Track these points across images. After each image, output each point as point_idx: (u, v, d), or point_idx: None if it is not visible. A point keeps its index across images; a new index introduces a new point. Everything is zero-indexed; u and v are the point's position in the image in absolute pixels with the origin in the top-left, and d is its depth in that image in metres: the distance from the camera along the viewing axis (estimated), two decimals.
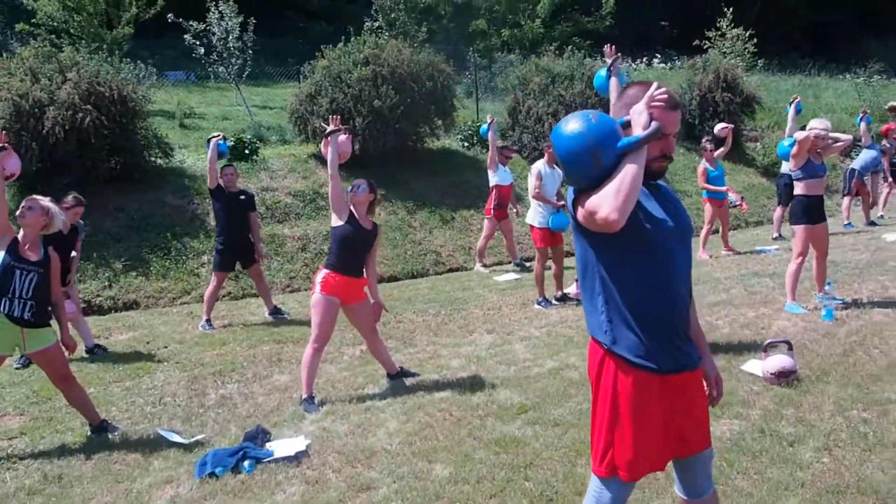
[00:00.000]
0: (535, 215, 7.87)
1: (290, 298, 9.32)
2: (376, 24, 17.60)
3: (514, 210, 10.36)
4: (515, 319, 7.43)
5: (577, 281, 8.04)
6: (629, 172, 2.18)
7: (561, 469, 3.76)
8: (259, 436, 4.43)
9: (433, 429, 4.50)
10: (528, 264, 10.45)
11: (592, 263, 2.36)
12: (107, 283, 9.43)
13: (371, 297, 5.45)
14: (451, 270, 11.07)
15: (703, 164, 10.10)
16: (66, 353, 4.94)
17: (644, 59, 25.70)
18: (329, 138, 5.37)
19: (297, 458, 4.16)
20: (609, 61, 5.38)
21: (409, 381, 5.53)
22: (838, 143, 6.58)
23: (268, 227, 10.83)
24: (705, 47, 20.02)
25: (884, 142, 12.43)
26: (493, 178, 9.92)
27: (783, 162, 11.13)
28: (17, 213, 4.81)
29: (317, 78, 12.31)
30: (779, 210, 11.55)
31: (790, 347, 4.76)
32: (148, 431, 4.93)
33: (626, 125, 2.30)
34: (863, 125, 11.87)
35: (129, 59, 12.42)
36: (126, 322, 8.42)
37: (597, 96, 13.81)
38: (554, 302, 7.89)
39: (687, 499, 2.50)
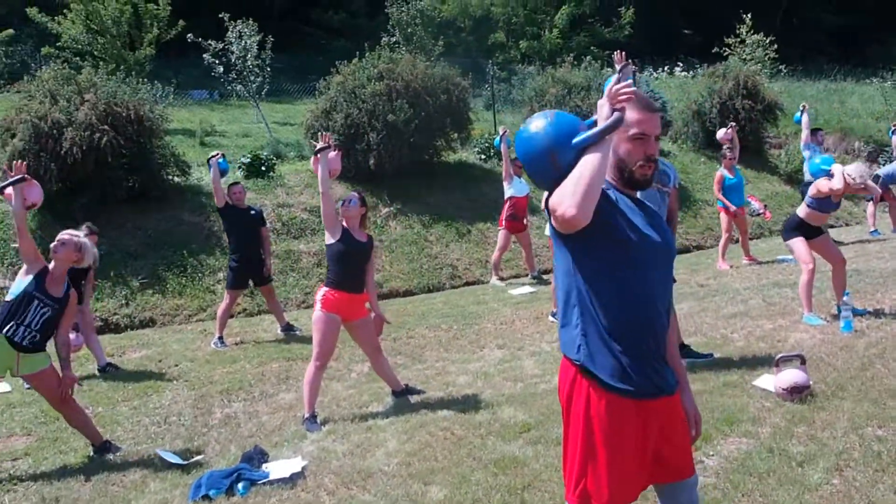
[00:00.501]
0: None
1: (305, 314, 9.27)
2: (393, 39, 17.66)
3: (526, 221, 10.23)
4: (528, 334, 7.32)
5: None
6: (587, 165, 2.07)
7: (559, 491, 3.64)
8: (256, 457, 4.37)
9: (433, 448, 4.41)
10: (545, 277, 10.34)
11: (571, 272, 2.25)
12: (124, 301, 9.50)
13: (372, 310, 5.40)
14: (467, 284, 10.98)
15: (721, 172, 9.93)
16: (71, 384, 4.89)
17: (666, 68, 25.49)
18: (318, 156, 5.35)
19: (292, 480, 4.09)
20: (619, 67, 5.31)
21: (413, 399, 5.45)
22: (866, 190, 6.39)
23: (283, 243, 10.85)
24: (725, 54, 19.77)
25: None
26: (509, 190, 9.83)
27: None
28: (52, 246, 4.88)
29: (331, 94, 12.33)
30: None
31: (803, 362, 4.60)
32: (149, 452, 4.90)
33: (594, 125, 2.21)
34: (895, 138, 11.60)
35: (146, 80, 12.54)
36: (140, 340, 8.46)
37: None
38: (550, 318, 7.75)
39: None
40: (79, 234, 4.98)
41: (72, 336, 5.73)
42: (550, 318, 7.64)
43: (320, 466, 4.32)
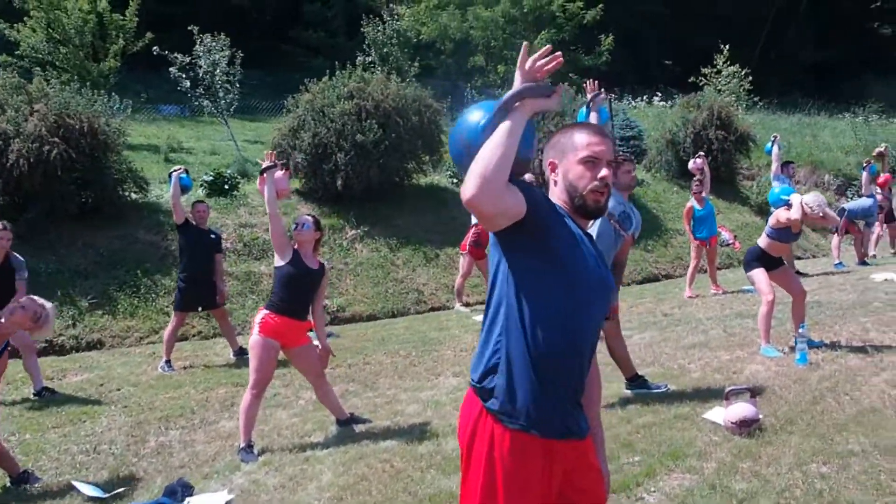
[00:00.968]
0: None
1: None
2: (369, 59, 17.57)
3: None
4: None
5: None
6: (490, 142, 1.90)
7: None
8: (179, 490, 4.14)
9: (368, 482, 4.20)
10: None
11: (504, 284, 2.07)
12: (71, 322, 9.15)
13: (318, 341, 5.20)
14: (433, 309, 10.78)
15: (690, 203, 9.91)
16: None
17: (645, 98, 25.67)
18: (265, 175, 5.19)
19: None
20: (590, 96, 5.24)
21: (358, 429, 5.24)
22: (825, 221, 6.32)
23: (244, 264, 10.61)
24: (701, 84, 19.93)
25: (877, 191, 12.12)
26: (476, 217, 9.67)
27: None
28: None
29: (300, 112, 12.17)
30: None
31: (753, 395, 4.47)
32: (71, 482, 4.63)
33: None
34: (865, 174, 11.62)
35: (103, 93, 12.19)
36: (85, 363, 8.14)
37: None
38: None
39: None
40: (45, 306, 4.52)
41: None
42: None
43: (248, 501, 4.10)
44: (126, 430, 5.72)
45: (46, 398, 6.65)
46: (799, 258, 14.31)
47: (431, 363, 7.21)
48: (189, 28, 14.89)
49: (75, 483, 4.51)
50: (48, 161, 9.63)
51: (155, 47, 14.81)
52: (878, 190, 12.17)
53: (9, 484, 4.61)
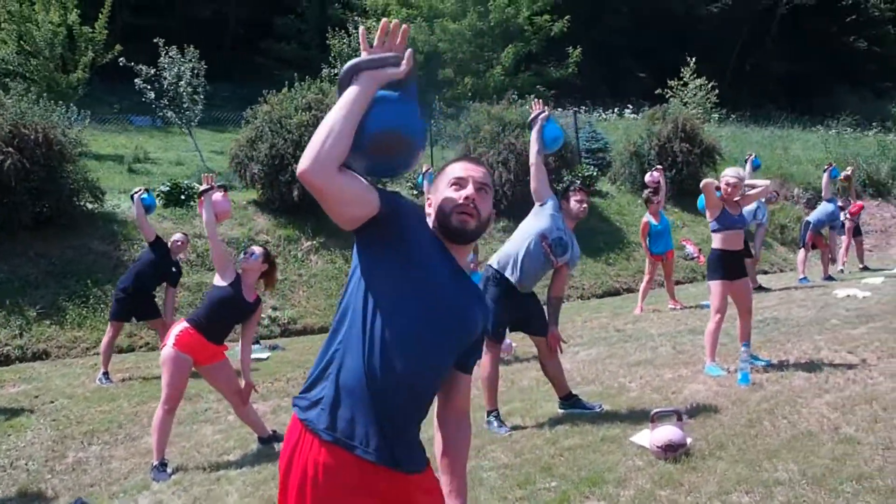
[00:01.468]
0: None
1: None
2: (335, 71, 17.44)
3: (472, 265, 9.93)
4: None
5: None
6: (325, 118, 1.83)
7: None
8: None
9: None
10: None
11: (354, 288, 1.97)
12: (17, 332, 8.96)
13: (242, 377, 5.01)
14: None
15: (646, 219, 9.80)
16: None
17: (615, 110, 25.72)
18: (203, 198, 5.05)
19: None
20: (532, 115, 5.17)
21: (278, 447, 5.05)
22: (755, 191, 6.24)
23: (196, 275, 10.42)
24: (667, 96, 19.96)
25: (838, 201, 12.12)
26: None
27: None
28: None
29: (258, 123, 12.02)
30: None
31: (679, 418, 4.32)
32: None
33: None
34: (825, 177, 11.55)
35: (61, 104, 12.00)
36: (25, 374, 7.95)
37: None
38: None
39: None
40: None
41: None
42: None
43: None
44: (48, 445, 5.54)
45: None
46: (765, 272, 14.30)
47: None
48: (155, 40, 14.76)
49: None
50: (1, 171, 9.50)
51: (121, 59, 14.67)
52: (843, 209, 12.19)
53: None
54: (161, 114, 15.50)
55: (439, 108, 21.24)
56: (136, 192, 7.64)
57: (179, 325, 4.82)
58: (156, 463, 4.67)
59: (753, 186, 6.19)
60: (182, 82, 14.61)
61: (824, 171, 11.70)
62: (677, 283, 12.40)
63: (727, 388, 5.55)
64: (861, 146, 20.67)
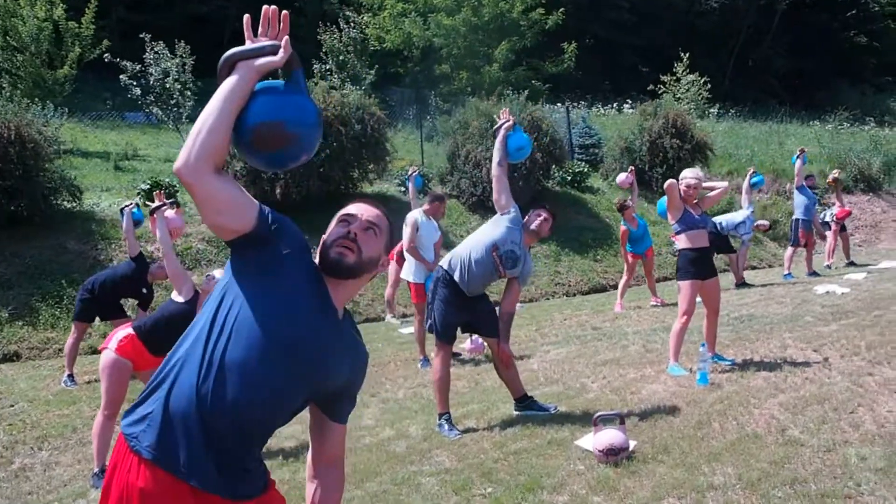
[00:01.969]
0: (411, 270, 7.41)
1: None
2: (326, 66, 17.37)
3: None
4: (393, 378, 6.91)
5: (470, 338, 7.53)
6: (205, 108, 1.77)
7: None
8: None
9: None
10: None
11: (214, 298, 1.89)
12: None
13: None
14: (368, 321, 10.55)
15: (624, 226, 9.72)
16: None
17: (615, 105, 25.56)
18: (155, 215, 4.99)
19: None
20: (498, 123, 5.12)
21: None
22: (714, 193, 6.16)
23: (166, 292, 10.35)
24: (660, 92, 19.81)
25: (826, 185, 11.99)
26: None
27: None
28: None
29: None
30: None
31: (622, 421, 4.23)
32: None
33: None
34: (798, 163, 11.32)
35: (37, 101, 11.94)
36: None
37: (536, 141, 13.51)
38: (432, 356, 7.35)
39: None
40: None
41: None
42: (419, 367, 7.20)
43: None
44: None
45: None
46: (754, 268, 14.17)
47: None
48: (141, 35, 14.69)
49: None
50: None
51: (107, 55, 14.59)
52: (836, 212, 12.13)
53: None
54: (148, 110, 15.40)
55: (435, 103, 21.19)
56: (126, 206, 7.53)
57: (124, 330, 4.74)
58: (96, 470, 4.60)
59: (713, 188, 6.11)
60: (169, 78, 14.51)
61: (796, 157, 11.49)
62: (662, 279, 12.32)
63: (685, 389, 5.46)
64: (855, 141, 20.44)
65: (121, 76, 14.56)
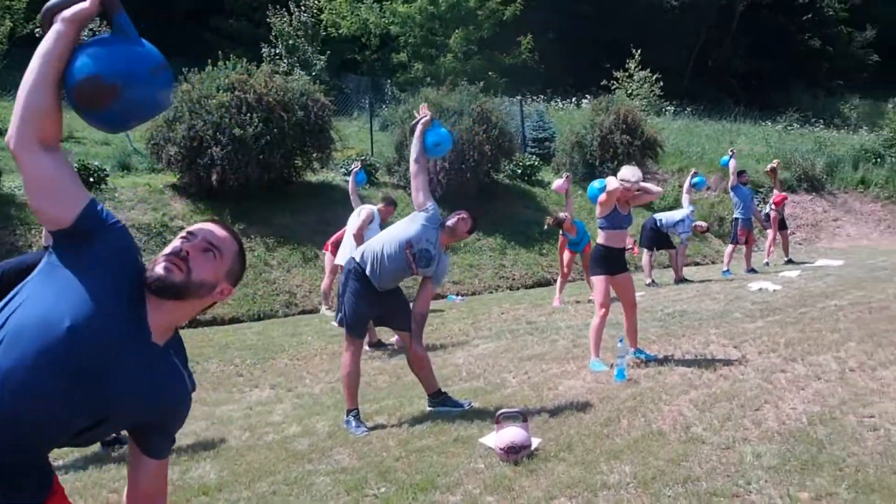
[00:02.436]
0: (348, 256, 7.25)
1: None
2: (275, 50, 17.02)
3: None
4: (314, 372, 6.75)
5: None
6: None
7: None
8: None
9: None
10: None
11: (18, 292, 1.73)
12: None
13: None
14: (303, 312, 10.36)
15: (564, 237, 9.59)
16: None
17: (574, 100, 25.55)
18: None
19: None
20: (416, 118, 4.96)
21: (117, 452, 4.76)
22: (648, 195, 6.13)
23: None
24: (613, 88, 19.86)
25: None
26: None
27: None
28: None
29: (176, 103, 11.59)
30: (645, 255, 11.15)
31: (524, 419, 4.12)
32: None
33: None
34: (732, 163, 11.47)
35: None
36: None
37: (484, 133, 13.42)
38: (366, 347, 7.21)
39: None
40: None
41: None
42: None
43: None
44: None
45: None
46: (696, 263, 14.27)
47: (258, 373, 6.80)
48: None
49: None
50: None
51: (37, 29, 14.04)
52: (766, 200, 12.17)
53: None
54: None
55: (391, 92, 20.95)
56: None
57: None
58: None
59: (648, 191, 6.05)
60: None
61: (728, 158, 11.66)
62: None
63: (602, 385, 5.39)
64: (801, 142, 20.76)
65: None
